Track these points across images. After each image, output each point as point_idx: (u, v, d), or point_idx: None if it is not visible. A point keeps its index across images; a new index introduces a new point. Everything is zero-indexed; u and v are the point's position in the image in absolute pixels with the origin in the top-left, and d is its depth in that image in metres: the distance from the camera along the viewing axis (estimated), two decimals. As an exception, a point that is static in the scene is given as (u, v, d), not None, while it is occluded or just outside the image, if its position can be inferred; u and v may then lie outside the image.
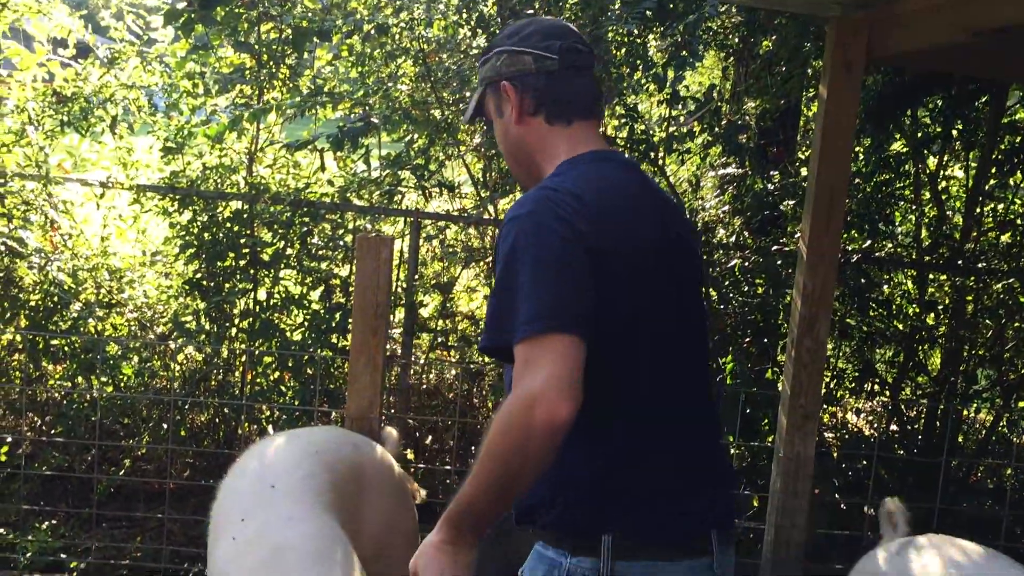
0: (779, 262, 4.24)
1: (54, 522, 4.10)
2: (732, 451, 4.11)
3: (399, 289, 4.60)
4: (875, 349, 4.90)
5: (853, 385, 4.89)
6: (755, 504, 4.32)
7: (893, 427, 4.80)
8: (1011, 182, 4.81)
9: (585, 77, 1.88)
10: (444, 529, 1.63)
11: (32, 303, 4.25)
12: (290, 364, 4.43)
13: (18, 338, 4.28)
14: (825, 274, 3.27)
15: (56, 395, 4.45)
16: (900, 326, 4.73)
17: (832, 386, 4.73)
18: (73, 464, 4.27)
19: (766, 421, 4.28)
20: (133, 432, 4.49)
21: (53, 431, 4.24)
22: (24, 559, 3.69)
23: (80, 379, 4.32)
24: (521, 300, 1.56)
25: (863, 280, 4.48)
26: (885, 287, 4.77)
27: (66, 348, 4.30)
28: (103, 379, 4.28)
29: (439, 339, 4.97)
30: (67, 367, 4.39)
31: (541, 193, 1.69)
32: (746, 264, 4.38)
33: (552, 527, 1.65)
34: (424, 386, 5.03)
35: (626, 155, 1.92)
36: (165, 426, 4.25)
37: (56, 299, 4.20)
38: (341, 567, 2.09)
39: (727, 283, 4.43)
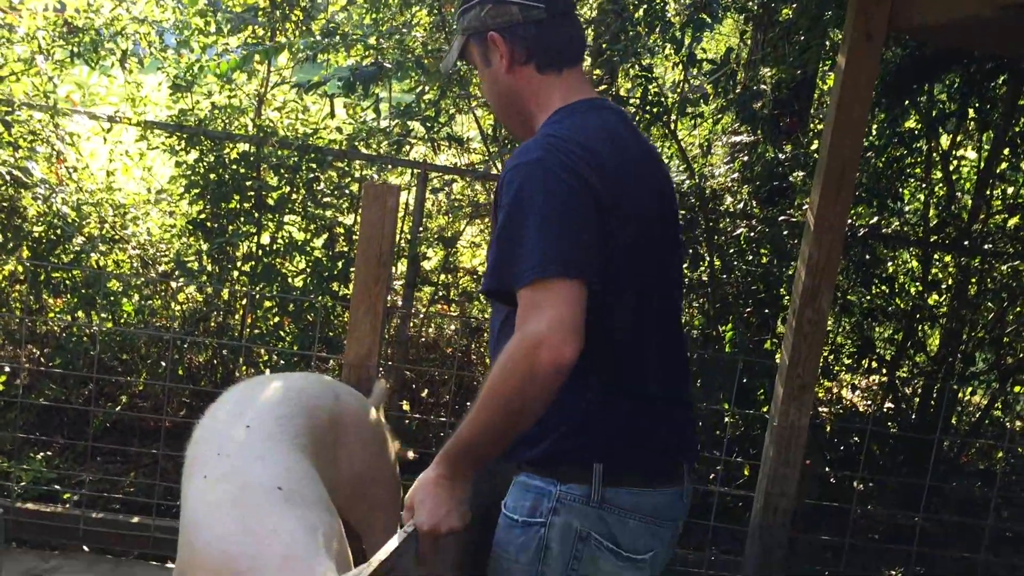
0: (785, 233, 4.23)
1: (49, 453, 4.13)
2: (727, 419, 4.12)
3: (403, 241, 4.59)
4: (875, 326, 4.90)
5: (851, 361, 4.89)
6: (746, 472, 4.35)
7: (888, 404, 4.81)
8: (1023, 165, 4.78)
9: (571, 21, 1.89)
10: (442, 464, 1.68)
11: (35, 235, 4.23)
12: (290, 309, 4.43)
13: (20, 269, 4.28)
14: (831, 246, 3.25)
15: (56, 328, 4.46)
16: (902, 304, 4.73)
17: (830, 360, 4.73)
18: (70, 397, 4.29)
19: (762, 391, 4.28)
20: (131, 368, 4.51)
21: (51, 363, 4.25)
22: (18, 487, 3.72)
23: (80, 313, 4.32)
24: (526, 245, 1.59)
25: (868, 256, 4.47)
26: (889, 264, 4.76)
27: (67, 282, 4.30)
28: (103, 315, 4.28)
29: (440, 293, 4.97)
30: (68, 301, 4.39)
31: (545, 140, 1.70)
32: (752, 233, 4.36)
33: (542, 458, 1.71)
34: (423, 339, 5.04)
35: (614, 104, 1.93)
36: (163, 364, 4.26)
37: (59, 232, 4.18)
38: (310, 506, 2.05)
39: (731, 251, 4.42)
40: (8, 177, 4.04)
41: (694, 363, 4.41)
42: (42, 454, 4.07)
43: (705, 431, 4.36)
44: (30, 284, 4.27)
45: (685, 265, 4.47)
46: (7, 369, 4.22)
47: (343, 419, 2.62)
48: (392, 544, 1.58)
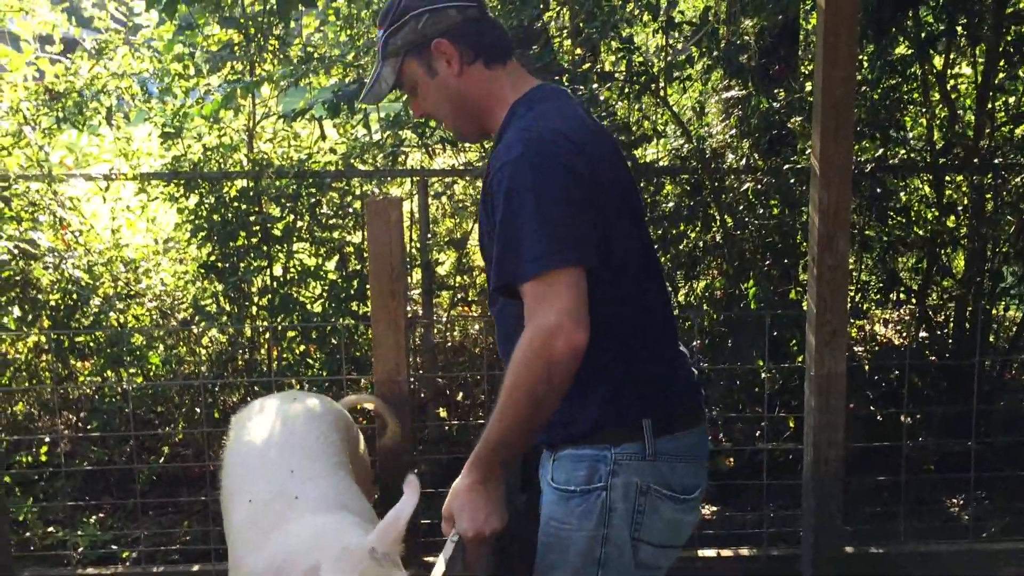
0: (792, 180, 4.18)
1: (101, 515, 4.16)
2: (763, 375, 4.09)
3: (413, 250, 4.59)
4: (897, 258, 4.85)
5: (879, 296, 4.85)
6: (791, 424, 4.32)
7: (923, 334, 4.76)
8: (1020, 73, 4.70)
9: (492, 18, 2.01)
10: (475, 470, 1.75)
11: (52, 302, 4.26)
12: (314, 336, 4.44)
13: (43, 339, 4.30)
14: (840, 187, 3.21)
15: (87, 391, 4.48)
16: (921, 232, 4.67)
17: (857, 299, 4.69)
18: (112, 457, 4.32)
19: (794, 342, 4.25)
20: (168, 420, 4.53)
21: (89, 427, 4.28)
22: (76, 554, 3.75)
23: (109, 372, 4.35)
24: (524, 241, 1.67)
25: (879, 189, 4.41)
26: (902, 194, 4.70)
27: (91, 344, 4.32)
28: (132, 370, 4.31)
29: (459, 295, 4.96)
30: (95, 362, 4.42)
31: (524, 135, 1.77)
32: (759, 186, 4.32)
33: (591, 428, 1.80)
34: (449, 343, 5.04)
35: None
36: (198, 410, 4.28)
37: (75, 296, 4.21)
38: (360, 516, 2.25)
39: (741, 207, 4.38)
40: (16, 251, 4.07)
41: (723, 324, 4.39)
42: (94, 517, 4.10)
43: (743, 390, 4.34)
44: (55, 352, 4.29)
45: (697, 229, 4.44)
46: (47, 439, 4.25)
47: (350, 424, 2.93)
48: (445, 555, 1.62)
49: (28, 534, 3.90)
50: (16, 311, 4.21)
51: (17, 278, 4.16)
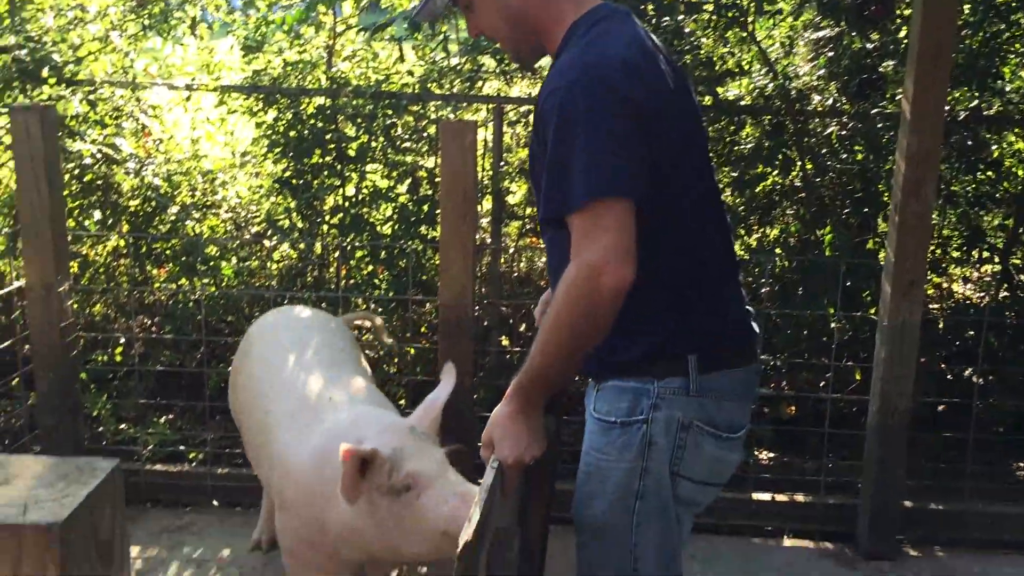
0: (880, 126, 4.04)
1: (171, 416, 4.30)
2: (832, 325, 4.01)
3: (485, 178, 4.57)
4: (983, 214, 4.68)
5: (959, 254, 4.70)
6: (857, 377, 4.24)
7: (1003, 294, 4.61)
8: None
9: None
10: (516, 399, 1.74)
11: (132, 208, 4.36)
12: (382, 257, 4.48)
13: (122, 243, 4.42)
14: (931, 133, 3.10)
15: (162, 297, 4.61)
16: (1010, 188, 4.49)
17: (937, 255, 4.55)
18: (184, 361, 4.44)
19: (867, 293, 4.15)
20: (237, 330, 4.63)
21: (163, 331, 4.41)
22: (145, 451, 3.89)
23: (184, 280, 4.46)
24: (574, 169, 1.62)
25: (970, 141, 4.25)
26: (994, 148, 4.52)
27: (168, 252, 4.43)
28: (205, 280, 4.41)
29: (528, 226, 4.94)
30: (171, 269, 4.53)
31: (580, 58, 1.70)
32: (843, 131, 4.19)
33: (637, 360, 1.77)
34: (515, 273, 5.04)
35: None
36: (267, 322, 4.36)
37: (154, 203, 4.30)
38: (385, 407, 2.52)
39: (824, 151, 4.25)
40: (100, 155, 4.16)
41: (794, 271, 4.30)
42: (164, 418, 4.24)
43: (811, 338, 4.27)
44: (133, 257, 4.41)
45: (776, 172, 4.33)
46: (123, 340, 4.39)
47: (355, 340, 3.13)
48: (487, 483, 1.61)
49: (101, 429, 4.06)
50: (97, 214, 4.33)
51: (99, 182, 4.26)
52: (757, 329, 1.95)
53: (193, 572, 3.06)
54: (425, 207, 4.46)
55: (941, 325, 4.45)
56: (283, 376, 2.63)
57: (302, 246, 4.50)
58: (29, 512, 0.67)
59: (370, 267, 4.60)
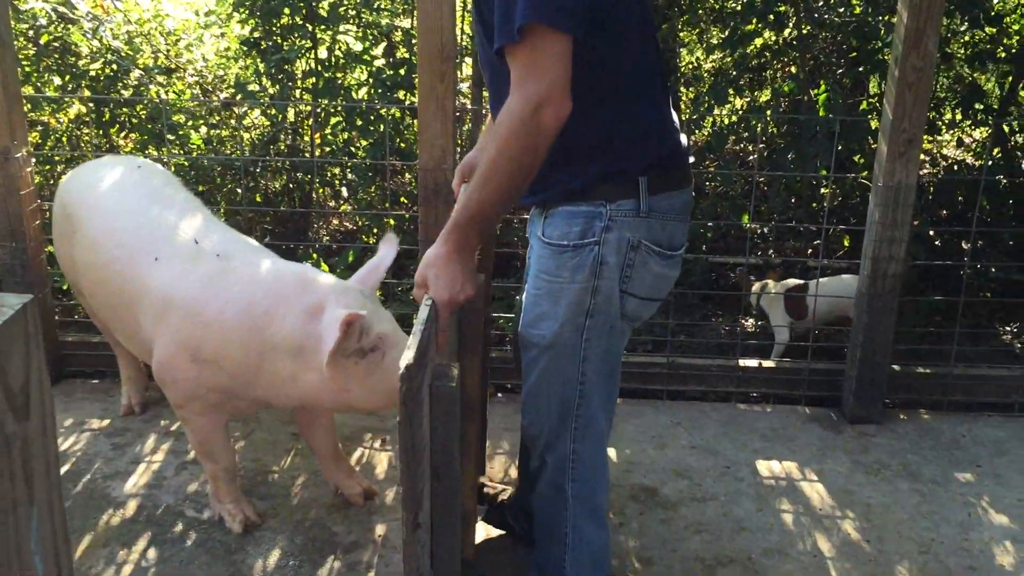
0: (879, -22, 3.84)
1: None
2: (823, 190, 3.91)
3: (465, 40, 4.35)
4: (982, 72, 4.52)
5: (954, 115, 4.56)
6: (846, 243, 4.17)
7: (996, 152, 4.50)
8: None
9: None
10: (452, 239, 1.74)
11: (93, 73, 4.13)
12: (358, 123, 4.30)
13: (84, 109, 4.21)
14: (936, -19, 2.92)
15: (129, 167, 4.42)
16: (1011, 43, 4.32)
17: (931, 116, 4.41)
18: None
19: (859, 156, 4.04)
20: (209, 200, 4.48)
21: (132, 202, 4.24)
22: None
23: (152, 149, 4.27)
24: (519, 2, 1.61)
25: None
26: (996, 2, 4.33)
27: (132, 120, 4.22)
28: (174, 150, 4.22)
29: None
30: (137, 138, 4.34)
31: None
32: (841, -16, 3.99)
33: (590, 185, 1.84)
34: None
35: None
36: (239, 191, 4.21)
37: (115, 67, 4.07)
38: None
39: (820, 4, 4.05)
40: (54, 15, 3.91)
41: (786, 134, 4.16)
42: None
43: (801, 204, 4.17)
44: (96, 125, 4.20)
45: (768, 29, 4.14)
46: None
47: None
48: (421, 316, 1.60)
49: (72, 301, 3.94)
50: (56, 80, 4.10)
51: (56, 43, 4.02)
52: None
53: (171, 444, 3.01)
54: (402, 70, 4.26)
55: (932, 190, 4.35)
56: (163, 227, 2.48)
57: (273, 111, 4.31)
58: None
59: (346, 134, 4.43)
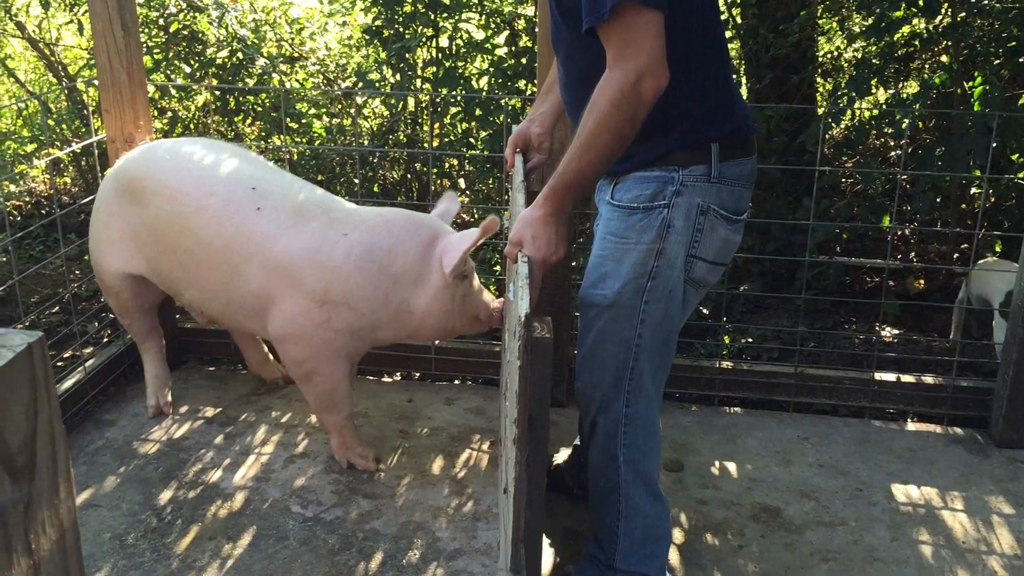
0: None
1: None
2: (974, 190, 3.59)
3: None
4: None
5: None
6: (998, 249, 3.84)
7: None
8: None
9: None
10: (550, 203, 1.83)
11: (219, 61, 4.17)
12: (477, 113, 4.21)
13: (210, 97, 4.25)
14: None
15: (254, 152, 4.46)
16: None
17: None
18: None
19: (1018, 155, 3.70)
20: (328, 188, 4.48)
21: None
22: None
23: (276, 137, 4.29)
24: None
25: None
26: None
27: (256, 108, 4.25)
28: (296, 138, 4.23)
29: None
30: (261, 126, 4.37)
31: None
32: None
33: (667, 151, 1.93)
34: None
35: None
36: (356, 181, 4.19)
37: (241, 55, 4.10)
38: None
39: (977, -9, 3.73)
40: (184, 3, 3.96)
41: (932, 130, 3.86)
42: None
43: (949, 205, 3.86)
44: (222, 113, 4.25)
45: (919, 16, 3.83)
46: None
47: None
48: (523, 271, 1.67)
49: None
50: (185, 67, 4.16)
51: (184, 32, 4.07)
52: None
53: (281, 436, 2.99)
54: (524, 60, 4.14)
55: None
56: (258, 179, 2.56)
57: (393, 101, 4.26)
58: None
59: (465, 124, 4.34)
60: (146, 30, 4.08)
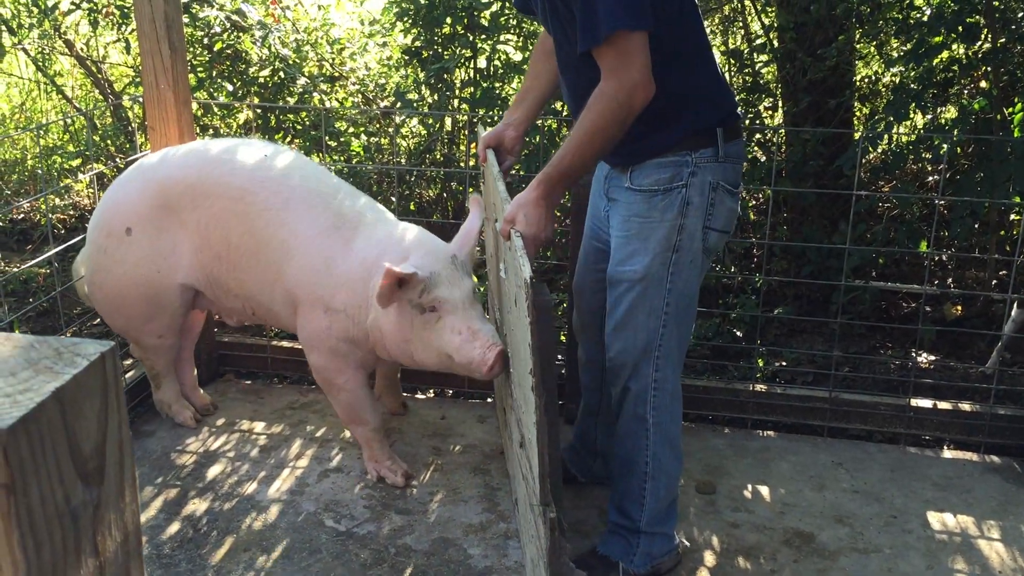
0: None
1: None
2: (1013, 217, 3.55)
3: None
4: None
5: None
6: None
7: None
8: None
9: None
10: (543, 187, 2.07)
11: (261, 80, 4.25)
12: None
13: (251, 115, 4.33)
14: None
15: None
16: None
17: None
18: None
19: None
20: (366, 207, 4.53)
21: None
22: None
23: (315, 156, 4.35)
24: (599, 7, 1.93)
25: None
26: None
27: (297, 127, 4.32)
28: (335, 157, 4.29)
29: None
30: (300, 144, 4.43)
31: None
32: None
33: (679, 139, 2.17)
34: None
35: None
36: (393, 199, 4.23)
37: (283, 75, 4.17)
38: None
39: (1020, 15, 3.70)
40: (228, 23, 4.04)
41: (970, 155, 3.83)
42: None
43: (987, 231, 3.82)
44: (262, 131, 4.32)
45: (958, 41, 3.82)
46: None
47: None
48: (517, 243, 1.91)
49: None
50: (228, 86, 4.24)
51: (228, 51, 4.15)
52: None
53: (316, 450, 3.02)
54: (560, 81, 4.17)
55: None
56: (298, 200, 2.64)
57: (431, 121, 4.30)
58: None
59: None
60: (191, 49, 4.17)
